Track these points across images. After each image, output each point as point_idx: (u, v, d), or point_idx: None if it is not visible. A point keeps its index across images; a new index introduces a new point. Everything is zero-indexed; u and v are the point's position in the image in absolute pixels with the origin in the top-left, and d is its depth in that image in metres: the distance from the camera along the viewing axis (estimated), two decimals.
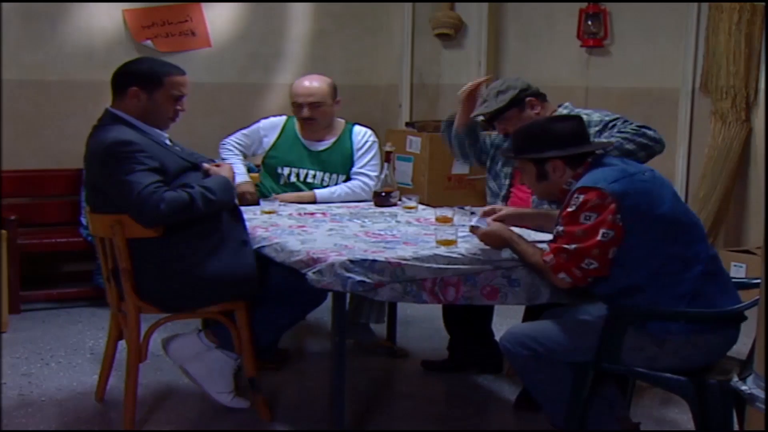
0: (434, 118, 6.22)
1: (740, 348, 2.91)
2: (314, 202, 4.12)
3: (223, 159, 4.22)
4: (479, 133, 3.94)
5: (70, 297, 5.11)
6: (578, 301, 3.13)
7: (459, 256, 2.97)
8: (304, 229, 3.45)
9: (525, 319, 3.55)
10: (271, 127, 4.36)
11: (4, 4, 5.25)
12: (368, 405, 3.68)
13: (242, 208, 3.46)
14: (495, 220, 3.18)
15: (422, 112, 6.50)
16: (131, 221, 3.15)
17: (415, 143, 5.80)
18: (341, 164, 4.28)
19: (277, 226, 3.49)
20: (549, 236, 3.15)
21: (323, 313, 3.72)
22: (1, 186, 5.05)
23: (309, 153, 4.28)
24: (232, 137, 4.34)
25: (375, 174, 4.27)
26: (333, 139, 4.31)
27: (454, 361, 4.07)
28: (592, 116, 3.57)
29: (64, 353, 4.27)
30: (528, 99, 3.63)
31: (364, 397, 3.76)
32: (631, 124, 3.51)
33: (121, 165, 3.12)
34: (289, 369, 4.07)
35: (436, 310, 4.03)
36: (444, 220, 3.51)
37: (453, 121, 3.97)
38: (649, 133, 3.47)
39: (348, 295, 3.19)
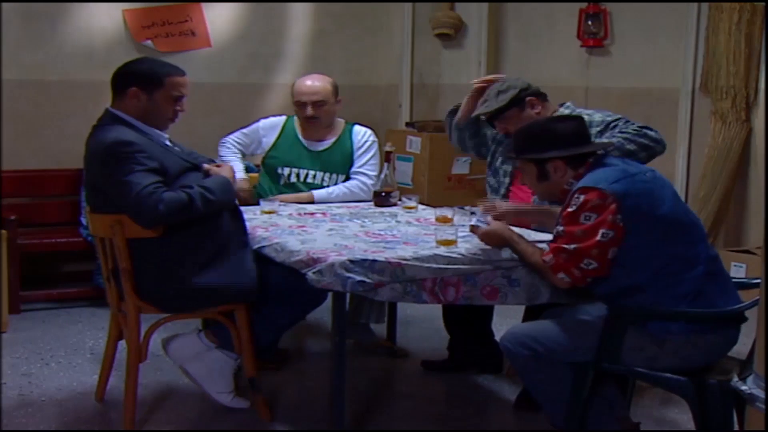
0: (434, 118, 6.22)
1: (740, 348, 2.91)
2: (312, 203, 4.12)
3: (221, 157, 4.23)
4: (480, 127, 3.92)
5: (70, 297, 5.11)
6: (578, 301, 3.13)
7: (459, 256, 2.97)
8: (304, 229, 3.45)
9: (525, 319, 3.55)
10: (270, 127, 4.36)
11: (4, 4, 5.25)
12: (368, 405, 3.68)
13: (242, 208, 3.46)
14: (495, 217, 3.17)
15: (422, 112, 6.50)
16: (131, 221, 3.15)
17: (415, 143, 5.80)
18: (341, 164, 4.28)
19: (277, 226, 3.49)
20: (549, 236, 3.15)
21: (323, 313, 3.72)
22: (1, 186, 5.05)
23: (309, 153, 4.28)
24: (232, 136, 4.34)
25: (374, 174, 4.27)
26: (333, 139, 4.31)
27: (454, 361, 4.07)
28: (594, 116, 3.57)
29: (64, 353, 4.27)
30: (528, 98, 3.63)
31: (364, 397, 3.75)
32: (633, 124, 3.51)
33: (121, 165, 3.12)
34: (289, 369, 4.07)
35: (436, 310, 4.03)
36: (444, 220, 3.51)
37: (456, 111, 3.96)
38: (651, 134, 3.47)
39: (348, 295, 3.19)
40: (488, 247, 3.03)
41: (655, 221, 2.82)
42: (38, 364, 4.10)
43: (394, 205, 4.03)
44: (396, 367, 4.22)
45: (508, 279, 3.02)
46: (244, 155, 4.34)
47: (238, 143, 4.31)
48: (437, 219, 3.56)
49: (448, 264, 2.94)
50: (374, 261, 2.87)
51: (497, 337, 3.52)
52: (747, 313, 2.83)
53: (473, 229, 3.09)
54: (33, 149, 5.44)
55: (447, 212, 3.56)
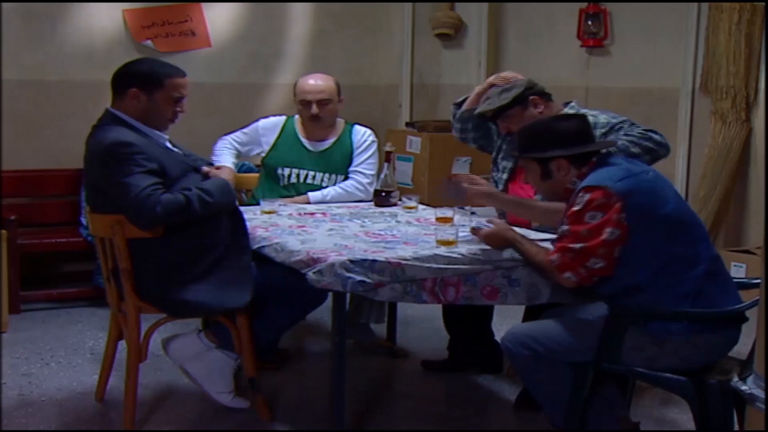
0: (434, 118, 6.23)
1: (740, 348, 2.91)
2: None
3: (215, 152, 4.22)
4: (484, 120, 3.90)
5: (70, 297, 5.10)
6: (578, 300, 3.13)
7: (459, 256, 2.97)
8: (304, 229, 3.45)
9: (525, 319, 3.55)
10: (270, 127, 4.35)
11: (4, 4, 5.25)
12: (368, 405, 3.68)
13: (242, 209, 3.46)
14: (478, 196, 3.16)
15: (422, 112, 6.50)
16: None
17: (415, 143, 5.80)
18: (341, 164, 4.28)
19: (277, 226, 3.49)
20: (549, 236, 3.16)
21: (323, 313, 3.72)
22: (1, 186, 5.05)
23: (309, 153, 4.28)
24: (230, 135, 4.34)
25: (371, 173, 4.27)
26: (333, 139, 4.31)
27: (454, 361, 4.07)
28: (599, 118, 3.56)
29: (64, 353, 4.27)
30: (531, 98, 3.61)
31: (364, 397, 3.75)
32: (638, 127, 3.50)
33: (120, 166, 3.12)
34: (289, 369, 4.07)
35: (436, 310, 4.03)
36: (444, 220, 3.51)
37: (463, 103, 3.95)
38: (656, 137, 3.47)
39: (348, 295, 3.19)
40: (489, 247, 3.03)
41: (659, 220, 2.82)
42: (38, 364, 4.10)
43: (394, 205, 4.03)
44: (396, 367, 4.22)
45: (508, 279, 3.02)
46: (239, 155, 4.33)
47: (235, 142, 4.31)
48: (437, 219, 3.56)
49: (448, 264, 2.95)
50: (374, 261, 2.87)
51: (497, 337, 3.52)
52: (747, 313, 2.83)
53: (475, 231, 3.08)
54: (33, 149, 5.44)
55: (447, 212, 3.56)
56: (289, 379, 3.96)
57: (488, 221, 3.14)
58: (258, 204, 3.94)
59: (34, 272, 5.21)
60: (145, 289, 3.23)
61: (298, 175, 4.26)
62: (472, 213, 3.55)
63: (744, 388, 1.91)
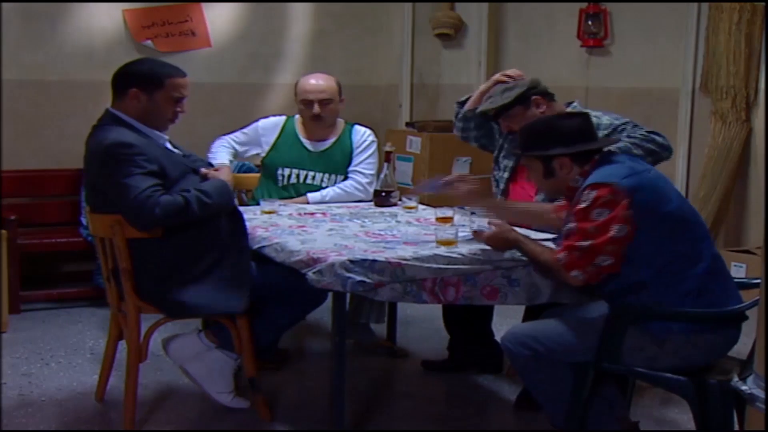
0: (434, 118, 6.23)
1: (740, 348, 2.91)
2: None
3: (211, 149, 4.22)
4: (487, 119, 3.89)
5: (70, 297, 5.11)
6: (578, 300, 3.13)
7: (459, 256, 2.97)
8: (304, 229, 3.45)
9: (525, 319, 3.55)
10: (270, 127, 4.35)
11: (4, 4, 5.25)
12: (368, 405, 3.68)
13: (242, 209, 3.46)
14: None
15: (422, 112, 6.50)
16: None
17: (415, 143, 5.80)
18: (341, 164, 4.28)
19: (277, 226, 3.49)
20: (550, 236, 3.16)
21: (323, 313, 3.72)
22: (1, 186, 5.05)
23: (309, 153, 4.28)
24: (229, 135, 4.33)
25: (370, 173, 4.27)
26: (334, 139, 4.31)
27: (454, 361, 4.07)
28: (602, 119, 3.55)
29: (64, 353, 4.27)
30: (534, 97, 3.61)
31: (364, 397, 3.76)
32: (641, 129, 3.50)
33: (120, 167, 3.12)
34: (289, 369, 4.07)
35: (436, 310, 4.03)
36: (444, 220, 3.51)
37: (466, 102, 3.94)
38: (658, 139, 3.47)
39: (348, 295, 3.19)
40: (489, 247, 3.02)
41: (663, 218, 2.82)
42: (38, 364, 4.10)
43: (394, 205, 4.03)
44: (396, 367, 4.22)
45: (508, 279, 3.02)
46: (236, 155, 4.32)
47: (234, 142, 4.31)
48: (437, 219, 3.56)
49: (448, 264, 2.95)
50: (374, 261, 2.87)
51: (497, 337, 3.52)
52: (747, 313, 2.83)
53: (477, 234, 3.06)
54: (33, 149, 5.44)
55: (447, 212, 3.56)
56: (289, 379, 3.96)
57: (489, 223, 3.13)
58: (258, 204, 3.94)
59: (34, 272, 5.21)
60: (144, 289, 3.23)
61: (298, 176, 4.26)
62: (472, 213, 3.54)
63: (744, 388, 1.91)
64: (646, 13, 5.59)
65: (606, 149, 3.09)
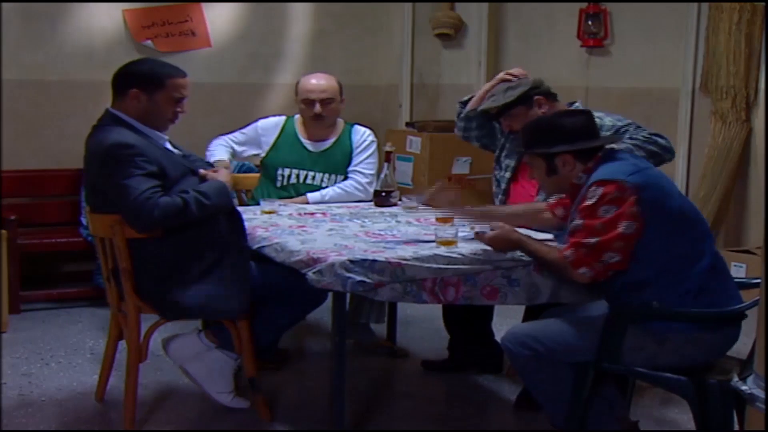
0: (434, 118, 6.23)
1: (740, 348, 2.91)
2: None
3: (209, 148, 4.22)
4: (489, 119, 3.89)
5: (70, 297, 5.11)
6: (578, 300, 3.13)
7: (459, 256, 2.97)
8: (304, 229, 3.45)
9: (525, 319, 3.55)
10: (269, 127, 4.34)
11: (4, 4, 5.25)
12: (368, 405, 3.68)
13: (242, 209, 3.46)
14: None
15: (422, 112, 6.50)
16: None
17: (415, 143, 5.80)
18: (341, 164, 4.28)
19: (277, 226, 3.49)
20: (550, 236, 3.16)
21: (323, 313, 3.72)
22: (1, 186, 5.05)
23: (309, 154, 4.28)
24: (228, 135, 4.33)
25: (370, 173, 4.26)
26: (334, 139, 4.31)
27: (454, 361, 4.06)
28: (604, 120, 3.55)
29: (64, 353, 4.27)
30: (536, 98, 3.60)
31: (364, 397, 3.75)
32: (644, 131, 3.50)
33: (120, 168, 3.12)
34: (289, 369, 4.07)
35: (436, 310, 4.03)
36: (444, 220, 3.51)
37: (469, 102, 3.94)
38: (661, 141, 3.48)
39: (348, 295, 3.19)
40: (489, 248, 3.02)
41: (668, 215, 2.83)
42: (38, 364, 4.10)
43: (394, 205, 4.03)
44: (396, 367, 4.22)
45: (508, 279, 3.02)
46: (234, 155, 4.31)
47: (232, 141, 4.30)
48: (437, 219, 3.56)
49: (448, 264, 2.94)
50: (374, 261, 2.87)
51: (497, 337, 3.52)
52: (747, 312, 2.83)
53: (478, 236, 3.05)
54: (33, 149, 5.44)
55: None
56: (289, 379, 3.96)
57: (491, 225, 3.12)
58: (258, 204, 3.94)
59: (34, 272, 5.21)
60: (144, 289, 3.23)
61: (297, 176, 4.26)
62: None
63: (744, 388, 1.91)
64: (646, 13, 5.59)
65: (609, 146, 3.08)
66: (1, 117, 5.23)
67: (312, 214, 3.82)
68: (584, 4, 5.78)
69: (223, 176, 3.40)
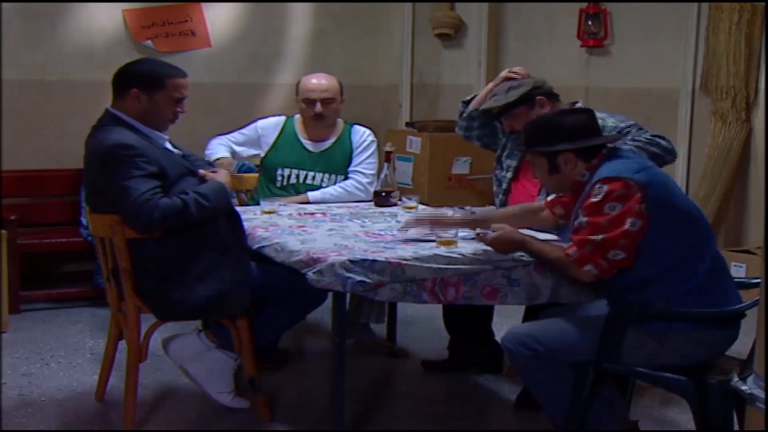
0: (434, 118, 6.23)
1: (740, 348, 2.91)
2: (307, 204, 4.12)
3: (208, 147, 4.22)
4: (492, 118, 3.88)
5: (70, 297, 5.10)
6: (578, 300, 3.13)
7: (459, 256, 2.97)
8: (304, 229, 3.45)
9: (525, 319, 3.55)
10: (269, 127, 4.35)
11: (4, 4, 5.25)
12: (368, 405, 3.68)
13: (242, 209, 3.46)
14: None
15: (422, 112, 6.50)
16: None
17: (415, 143, 5.80)
18: (341, 164, 4.28)
19: (277, 226, 3.49)
20: (550, 236, 3.16)
21: (323, 313, 3.72)
22: (1, 186, 5.05)
23: (309, 154, 4.28)
24: (226, 134, 4.33)
25: (370, 173, 4.26)
26: (333, 139, 4.31)
27: (454, 361, 4.06)
28: (607, 121, 3.55)
29: (64, 353, 4.27)
30: (538, 98, 3.60)
31: (364, 397, 3.75)
32: (646, 132, 3.50)
33: (120, 169, 3.12)
34: (289, 369, 4.07)
35: (436, 310, 4.03)
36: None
37: (471, 101, 3.94)
38: (663, 143, 3.48)
39: (348, 295, 3.19)
40: (489, 248, 3.02)
41: (673, 213, 2.83)
42: (38, 364, 4.10)
43: (394, 205, 4.03)
44: (396, 367, 4.22)
45: (508, 279, 3.02)
46: (233, 154, 4.31)
47: (231, 141, 4.30)
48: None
49: (448, 264, 2.94)
50: (374, 261, 2.87)
51: (497, 337, 3.52)
52: (747, 312, 2.83)
53: (480, 237, 3.05)
54: (33, 149, 5.44)
55: (447, 212, 3.55)
56: (289, 379, 3.96)
57: (493, 226, 3.11)
58: (258, 204, 3.94)
59: (34, 272, 5.21)
60: (144, 289, 3.23)
61: (297, 176, 4.26)
62: (472, 213, 3.54)
63: (744, 388, 1.91)
64: (646, 13, 5.59)
65: (613, 145, 3.08)
66: (1, 117, 5.23)
67: (312, 214, 3.82)
68: (584, 4, 5.78)
69: (222, 177, 3.40)
